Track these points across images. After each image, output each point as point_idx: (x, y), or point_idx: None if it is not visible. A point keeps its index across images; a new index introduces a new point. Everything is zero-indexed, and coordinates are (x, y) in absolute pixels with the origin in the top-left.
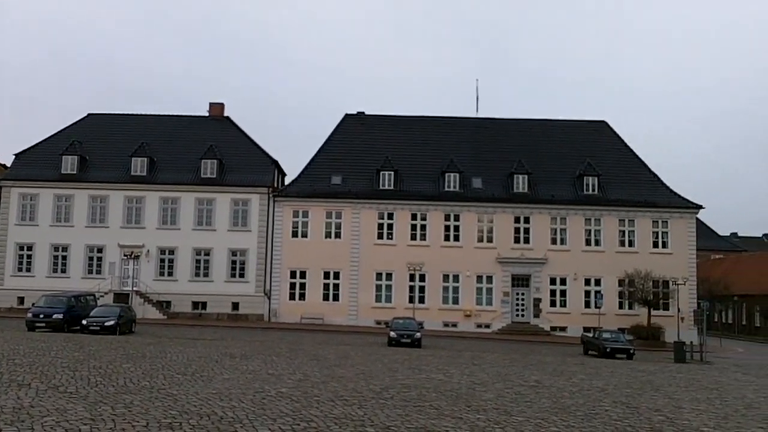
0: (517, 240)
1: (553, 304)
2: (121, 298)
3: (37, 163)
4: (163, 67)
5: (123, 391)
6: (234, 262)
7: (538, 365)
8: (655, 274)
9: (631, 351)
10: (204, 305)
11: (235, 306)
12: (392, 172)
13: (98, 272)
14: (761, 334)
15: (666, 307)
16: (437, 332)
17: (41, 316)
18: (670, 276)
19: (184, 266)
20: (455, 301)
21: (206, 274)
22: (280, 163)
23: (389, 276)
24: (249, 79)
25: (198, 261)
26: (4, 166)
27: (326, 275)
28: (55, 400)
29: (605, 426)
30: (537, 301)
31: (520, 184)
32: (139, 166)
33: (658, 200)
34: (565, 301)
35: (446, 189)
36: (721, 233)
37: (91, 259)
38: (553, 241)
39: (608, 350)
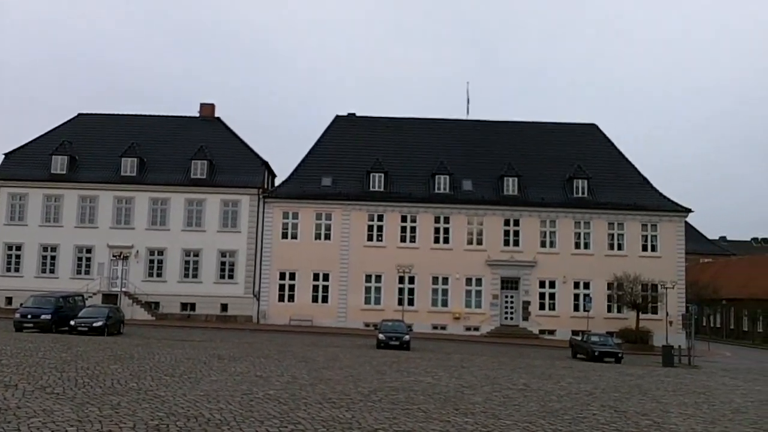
0: (506, 243)
1: (542, 307)
2: (110, 298)
3: (27, 163)
4: (154, 68)
5: (110, 392)
6: (223, 264)
7: (527, 368)
8: (644, 278)
9: (620, 354)
10: (193, 306)
11: (224, 307)
12: (382, 174)
13: (87, 273)
14: (749, 338)
15: (654, 311)
16: (426, 335)
17: (29, 316)
18: (659, 279)
19: (173, 267)
20: (444, 303)
21: (195, 275)
22: (271, 164)
23: (378, 278)
24: (239, 80)
25: (187, 262)
26: None
27: (315, 277)
28: (42, 401)
29: (593, 430)
30: (526, 304)
31: (510, 186)
32: (128, 166)
33: (648, 204)
34: (554, 304)
35: (436, 191)
36: (710, 237)
37: (80, 259)
38: (543, 244)
39: (596, 354)
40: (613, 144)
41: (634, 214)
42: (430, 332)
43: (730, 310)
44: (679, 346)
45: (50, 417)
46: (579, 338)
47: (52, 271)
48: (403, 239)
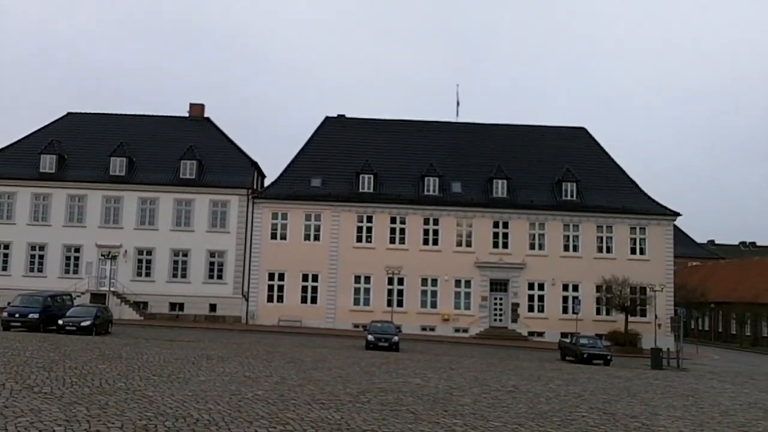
0: (495, 245)
1: (531, 309)
2: (98, 298)
3: (15, 162)
4: (143, 68)
5: (98, 392)
6: (212, 264)
7: (516, 370)
8: (633, 281)
9: (608, 357)
10: (181, 306)
11: (213, 308)
12: (372, 176)
13: (75, 272)
14: (737, 342)
15: (643, 314)
16: (415, 336)
17: (17, 315)
18: (648, 282)
19: (162, 267)
20: (433, 305)
21: (184, 275)
22: (260, 164)
23: (368, 279)
24: (229, 80)
25: (176, 262)
26: None
27: (305, 278)
28: (30, 400)
29: None
30: (515, 306)
31: (500, 189)
32: (117, 165)
33: (636, 207)
34: (542, 306)
35: (426, 193)
36: (698, 240)
37: (68, 258)
38: (532, 247)
39: (585, 356)
40: (602, 147)
41: (622, 217)
42: (419, 333)
43: (718, 314)
44: (668, 349)
45: (38, 416)
46: (568, 340)
47: (40, 270)
48: (392, 240)
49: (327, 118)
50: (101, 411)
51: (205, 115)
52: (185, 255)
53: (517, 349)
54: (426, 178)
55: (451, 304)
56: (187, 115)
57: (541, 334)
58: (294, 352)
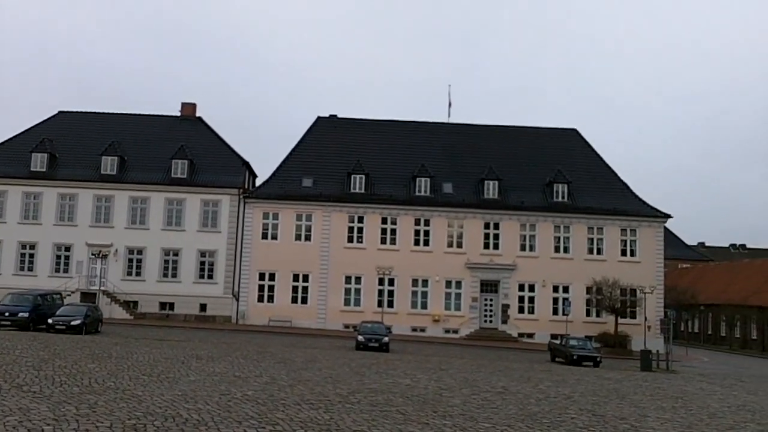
0: (486, 246)
1: (521, 310)
2: (88, 297)
3: (6, 160)
4: (135, 67)
5: (88, 391)
6: (203, 263)
7: (505, 371)
8: (623, 282)
9: (598, 359)
10: (171, 306)
11: (203, 307)
12: (363, 176)
13: (65, 271)
14: (727, 344)
15: (633, 316)
16: (405, 337)
17: (7, 314)
18: (638, 284)
19: (153, 266)
20: (424, 305)
21: (174, 275)
22: (252, 164)
23: (358, 280)
24: (221, 80)
25: (166, 261)
26: None
27: (295, 278)
28: (19, 399)
29: None
30: (505, 307)
31: (491, 190)
32: (109, 165)
33: (627, 209)
34: (533, 307)
35: (417, 194)
36: (688, 243)
37: (58, 257)
38: (523, 248)
39: (575, 357)
40: (593, 149)
41: (613, 218)
42: (409, 334)
43: (707, 316)
44: (657, 351)
45: (26, 416)
46: (558, 342)
47: (30, 269)
48: (383, 241)
49: (319, 118)
50: (90, 410)
51: (197, 115)
52: (176, 254)
53: (507, 350)
54: (417, 179)
55: (442, 305)
56: (178, 114)
57: (531, 336)
58: (284, 352)
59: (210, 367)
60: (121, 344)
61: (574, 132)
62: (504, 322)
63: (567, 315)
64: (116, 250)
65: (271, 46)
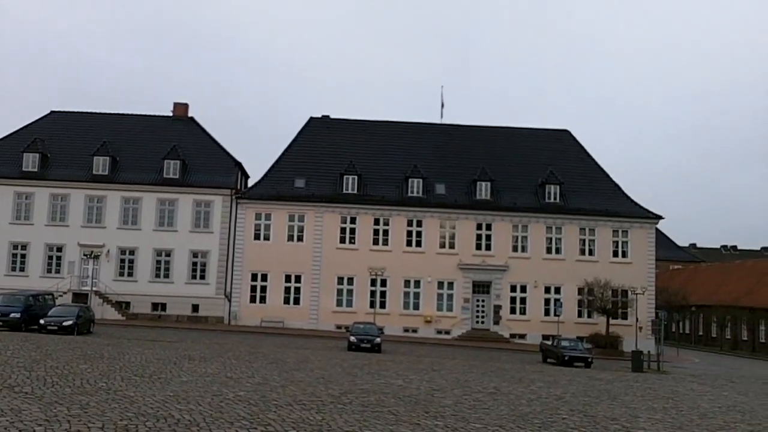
0: (478, 247)
1: (513, 311)
2: (80, 298)
3: None
4: (127, 67)
5: (79, 392)
6: (195, 264)
7: (497, 372)
8: (615, 283)
9: (589, 359)
10: (164, 306)
11: (195, 308)
12: (356, 177)
13: (57, 271)
14: (717, 345)
15: (624, 317)
16: (397, 338)
17: None
18: (629, 285)
19: (145, 267)
20: (416, 306)
21: (167, 275)
22: (244, 165)
23: (350, 280)
24: (214, 80)
25: (158, 262)
26: None
27: (287, 278)
28: (10, 400)
29: None
30: (497, 308)
31: (483, 191)
32: (101, 165)
33: (619, 210)
34: (525, 308)
35: (409, 194)
36: (680, 244)
37: (50, 258)
38: (515, 249)
39: (566, 358)
40: (585, 150)
41: (605, 220)
42: (401, 335)
43: (699, 317)
44: (649, 352)
45: (18, 416)
46: (549, 343)
47: (22, 270)
48: (375, 242)
49: (311, 118)
50: (82, 411)
51: (189, 115)
52: (168, 255)
53: (498, 350)
54: (410, 180)
55: (434, 305)
56: (170, 114)
57: (522, 336)
58: (276, 352)
59: (202, 367)
60: (113, 345)
61: (566, 133)
62: (496, 322)
63: (558, 316)
64: (108, 251)
65: (265, 47)
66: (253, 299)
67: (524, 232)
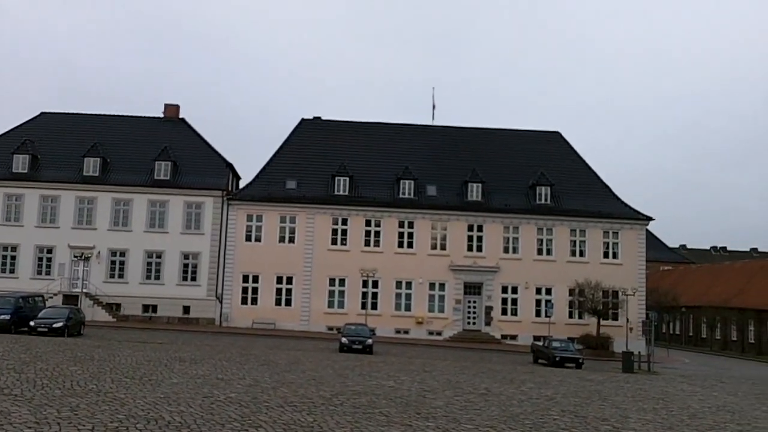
0: (470, 248)
1: (504, 312)
2: (71, 299)
3: None
4: (118, 68)
5: (69, 394)
6: (186, 265)
7: (489, 373)
8: (605, 285)
9: (580, 360)
10: (155, 308)
11: (186, 309)
12: (347, 178)
13: (48, 273)
14: (707, 345)
15: (615, 317)
16: (389, 339)
17: None
18: (620, 286)
19: (135, 268)
20: (407, 307)
21: (158, 277)
22: (235, 166)
23: (342, 282)
24: (205, 82)
25: (149, 263)
26: None
27: (279, 280)
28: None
29: None
30: (488, 309)
31: (474, 192)
32: (91, 166)
33: (610, 211)
34: (516, 309)
35: (401, 196)
36: (670, 245)
37: (40, 259)
38: (506, 250)
39: (557, 359)
40: (576, 152)
41: (596, 221)
42: (393, 336)
43: (689, 318)
44: (639, 353)
45: (7, 419)
46: (540, 344)
47: (12, 271)
48: (367, 243)
49: (303, 120)
50: (72, 413)
51: (181, 116)
52: (159, 256)
53: (490, 352)
54: (401, 181)
55: (425, 307)
56: (161, 115)
57: (514, 337)
58: (267, 354)
59: (193, 369)
60: (104, 347)
61: (557, 135)
62: (487, 324)
63: (549, 317)
64: (99, 252)
65: (256, 49)
66: (244, 301)
67: (515, 233)
